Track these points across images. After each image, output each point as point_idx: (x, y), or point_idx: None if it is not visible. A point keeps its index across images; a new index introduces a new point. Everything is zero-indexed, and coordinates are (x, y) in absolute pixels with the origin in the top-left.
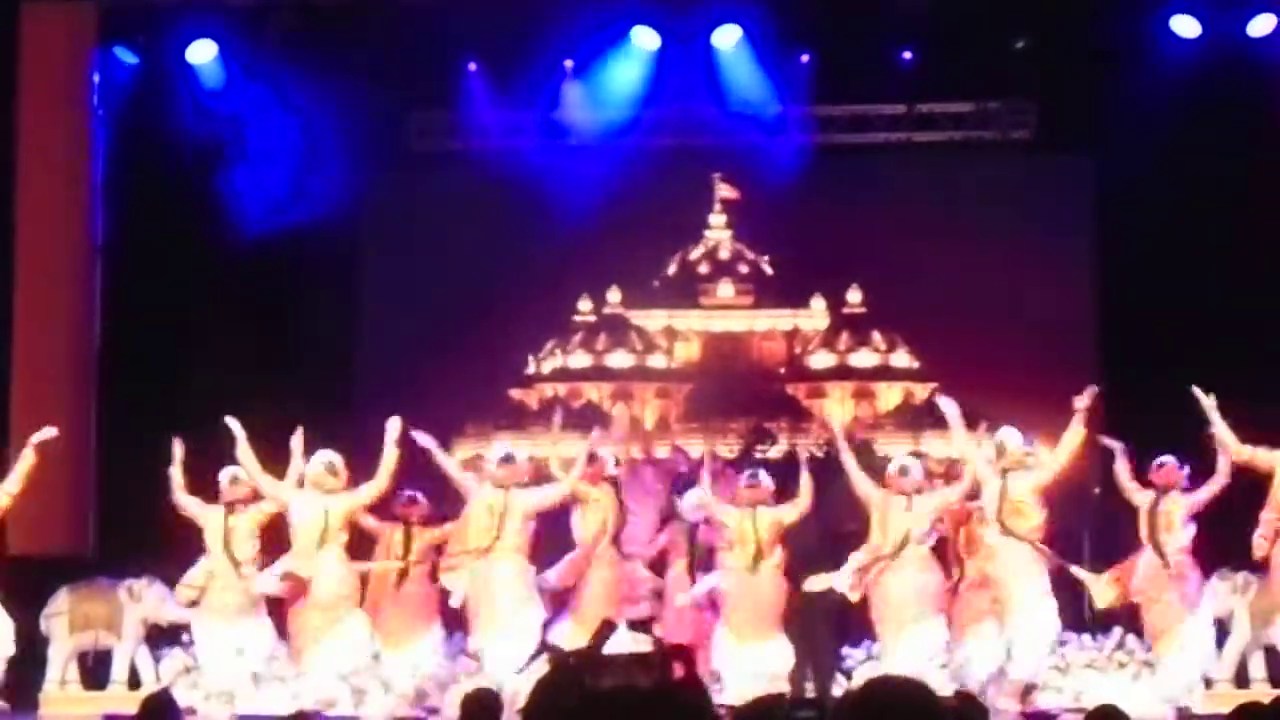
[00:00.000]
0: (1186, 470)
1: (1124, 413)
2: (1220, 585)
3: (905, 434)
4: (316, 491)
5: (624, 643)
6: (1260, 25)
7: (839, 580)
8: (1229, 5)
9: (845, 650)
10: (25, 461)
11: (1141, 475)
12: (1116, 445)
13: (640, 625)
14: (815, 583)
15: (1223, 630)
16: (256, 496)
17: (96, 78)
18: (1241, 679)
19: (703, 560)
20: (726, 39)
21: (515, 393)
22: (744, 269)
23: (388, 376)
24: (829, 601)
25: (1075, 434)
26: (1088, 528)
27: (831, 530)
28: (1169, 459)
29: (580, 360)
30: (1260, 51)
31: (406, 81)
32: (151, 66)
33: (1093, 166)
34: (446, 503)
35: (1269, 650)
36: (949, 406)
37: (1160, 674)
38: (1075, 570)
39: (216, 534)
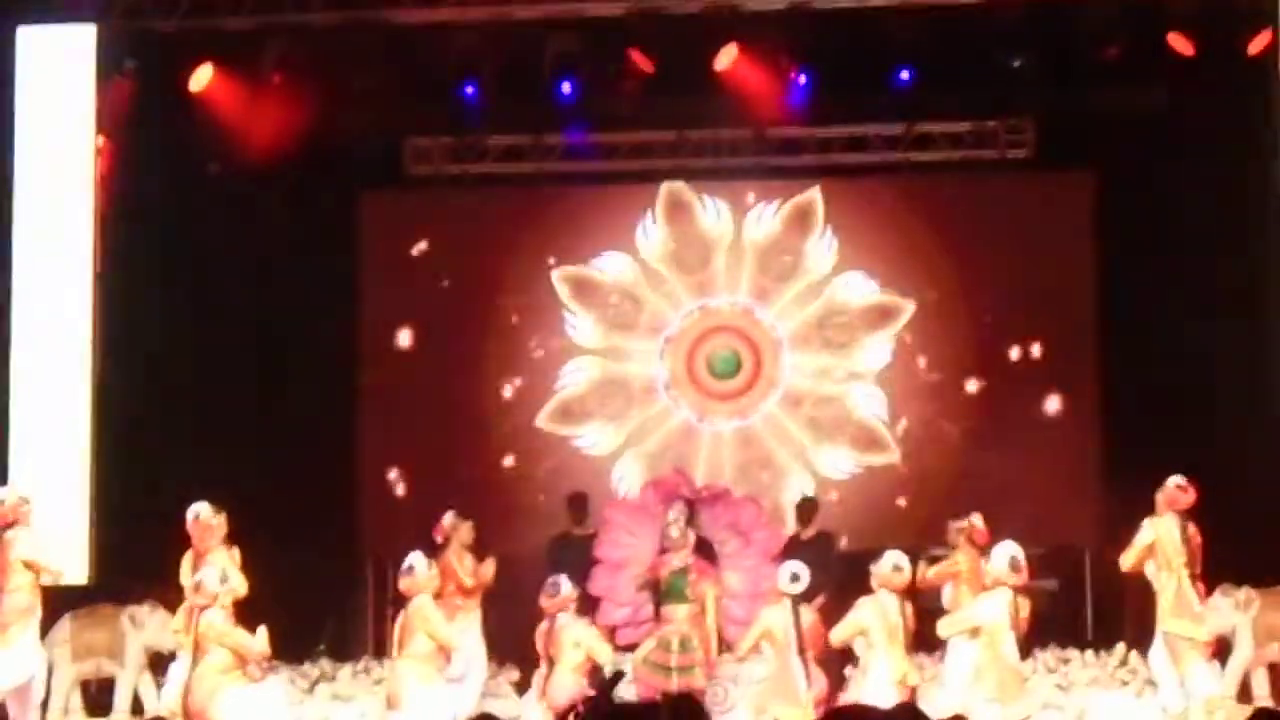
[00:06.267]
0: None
1: (1123, 428)
2: (1223, 601)
3: None
4: None
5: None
6: (1256, 43)
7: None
8: (1225, 23)
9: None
10: None
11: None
12: None
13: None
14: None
15: (1226, 647)
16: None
17: (94, 101)
18: (1244, 695)
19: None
20: (724, 60)
21: None
22: None
23: (389, 399)
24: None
25: None
26: (1089, 550)
27: (835, 554)
28: (1182, 481)
29: None
30: (1256, 68)
31: (404, 106)
32: (149, 90)
33: (1091, 185)
34: None
35: (1272, 667)
36: None
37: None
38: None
39: None
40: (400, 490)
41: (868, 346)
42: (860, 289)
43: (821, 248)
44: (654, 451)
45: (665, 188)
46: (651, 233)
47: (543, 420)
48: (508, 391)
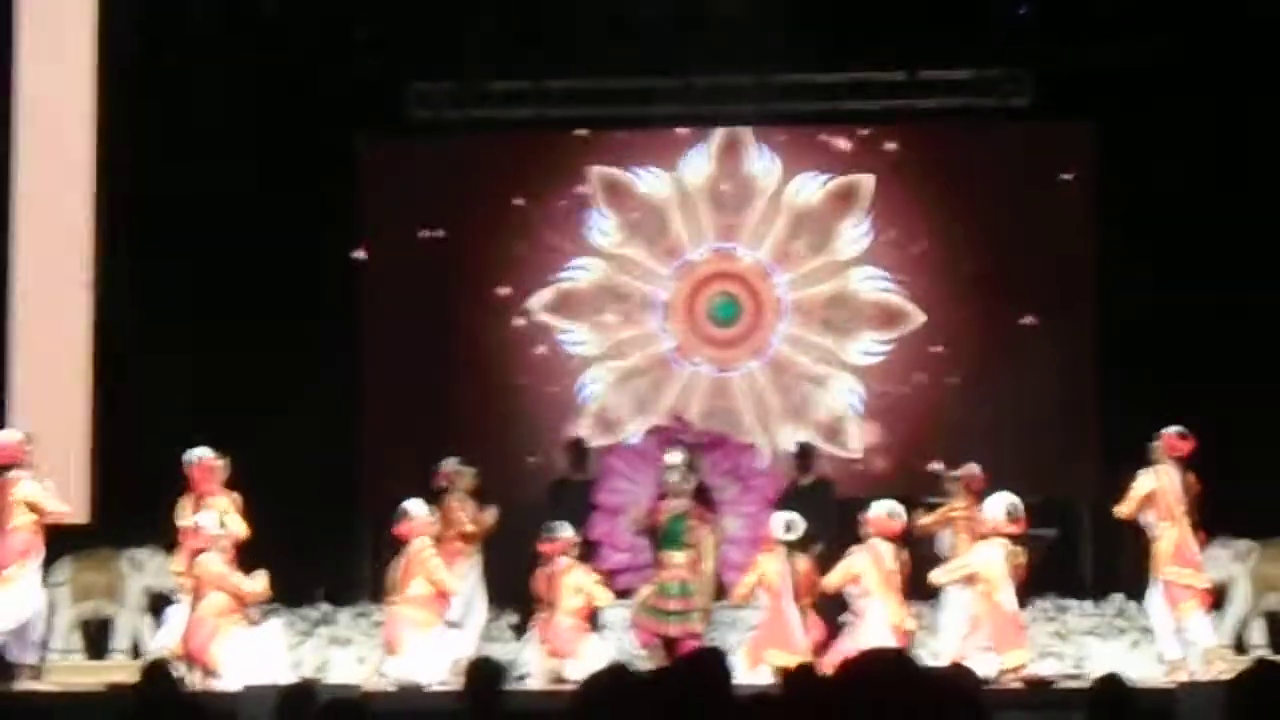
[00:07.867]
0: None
1: (1123, 381)
2: (1221, 552)
3: None
4: None
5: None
6: None
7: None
8: None
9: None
10: None
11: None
12: None
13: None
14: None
15: (1223, 597)
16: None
17: (96, 43)
18: (1241, 646)
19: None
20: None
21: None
22: None
23: (391, 349)
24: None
25: None
26: (1087, 499)
27: (834, 502)
28: (1182, 429)
29: None
30: (1257, 19)
31: (407, 49)
32: (152, 34)
33: (1092, 134)
34: None
35: (1270, 617)
36: None
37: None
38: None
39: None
40: (401, 431)
41: (865, 342)
42: (877, 285)
43: (854, 234)
44: (628, 369)
45: (723, 129)
46: (700, 162)
47: (535, 305)
48: (502, 292)
